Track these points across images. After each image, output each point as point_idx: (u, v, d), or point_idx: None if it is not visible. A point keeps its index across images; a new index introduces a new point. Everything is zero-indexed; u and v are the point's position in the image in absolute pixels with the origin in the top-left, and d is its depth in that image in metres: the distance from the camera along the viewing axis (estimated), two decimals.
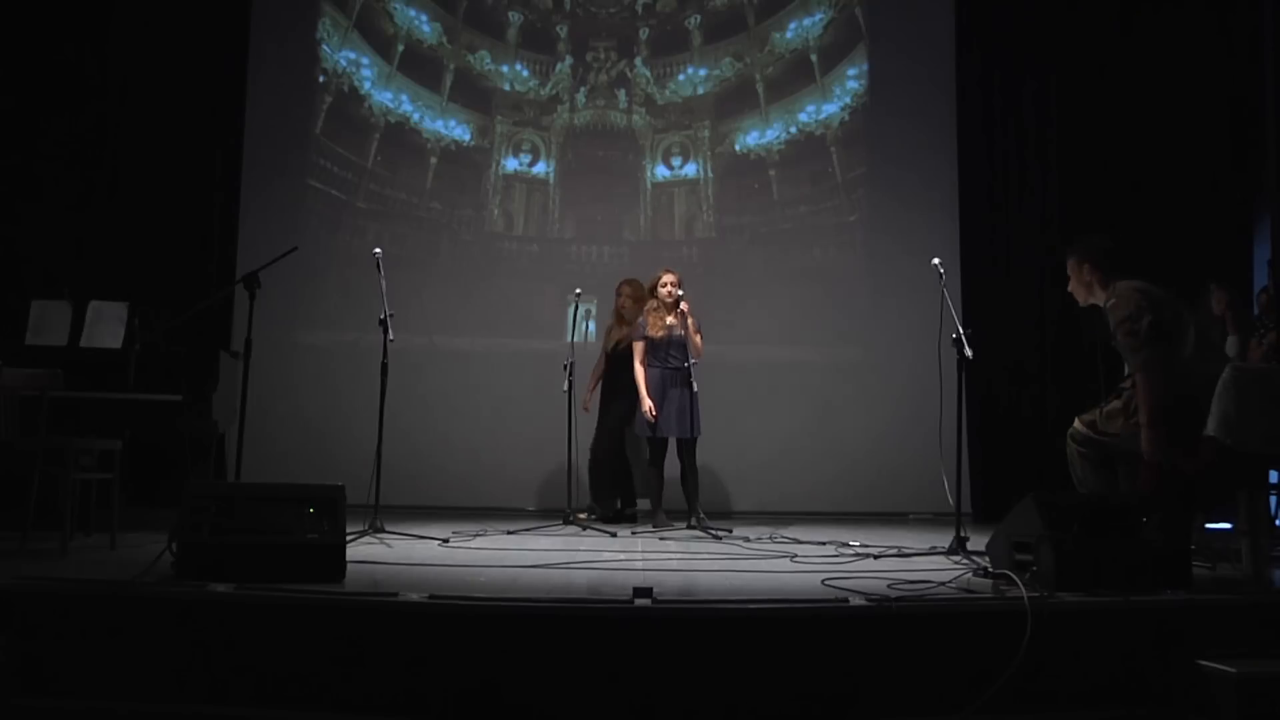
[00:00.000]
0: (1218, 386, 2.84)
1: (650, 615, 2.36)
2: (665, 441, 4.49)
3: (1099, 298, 3.18)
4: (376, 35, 5.91)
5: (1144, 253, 3.51)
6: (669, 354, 4.43)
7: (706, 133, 5.93)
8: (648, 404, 4.42)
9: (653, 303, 4.55)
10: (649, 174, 5.93)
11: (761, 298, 5.72)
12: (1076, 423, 3.21)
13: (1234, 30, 5.37)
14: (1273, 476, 3.41)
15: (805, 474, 5.48)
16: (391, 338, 4.06)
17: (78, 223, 5.13)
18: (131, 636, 2.38)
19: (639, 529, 4.35)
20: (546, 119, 5.95)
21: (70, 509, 3.31)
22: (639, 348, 4.53)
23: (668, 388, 4.44)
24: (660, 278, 4.56)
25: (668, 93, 5.96)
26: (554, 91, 5.96)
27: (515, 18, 5.97)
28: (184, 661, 2.36)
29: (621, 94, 5.95)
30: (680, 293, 4.47)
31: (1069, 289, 3.27)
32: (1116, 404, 3.11)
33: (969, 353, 3.59)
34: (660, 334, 4.47)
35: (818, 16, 5.98)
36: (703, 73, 5.98)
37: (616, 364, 4.64)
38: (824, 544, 3.80)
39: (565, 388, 4.28)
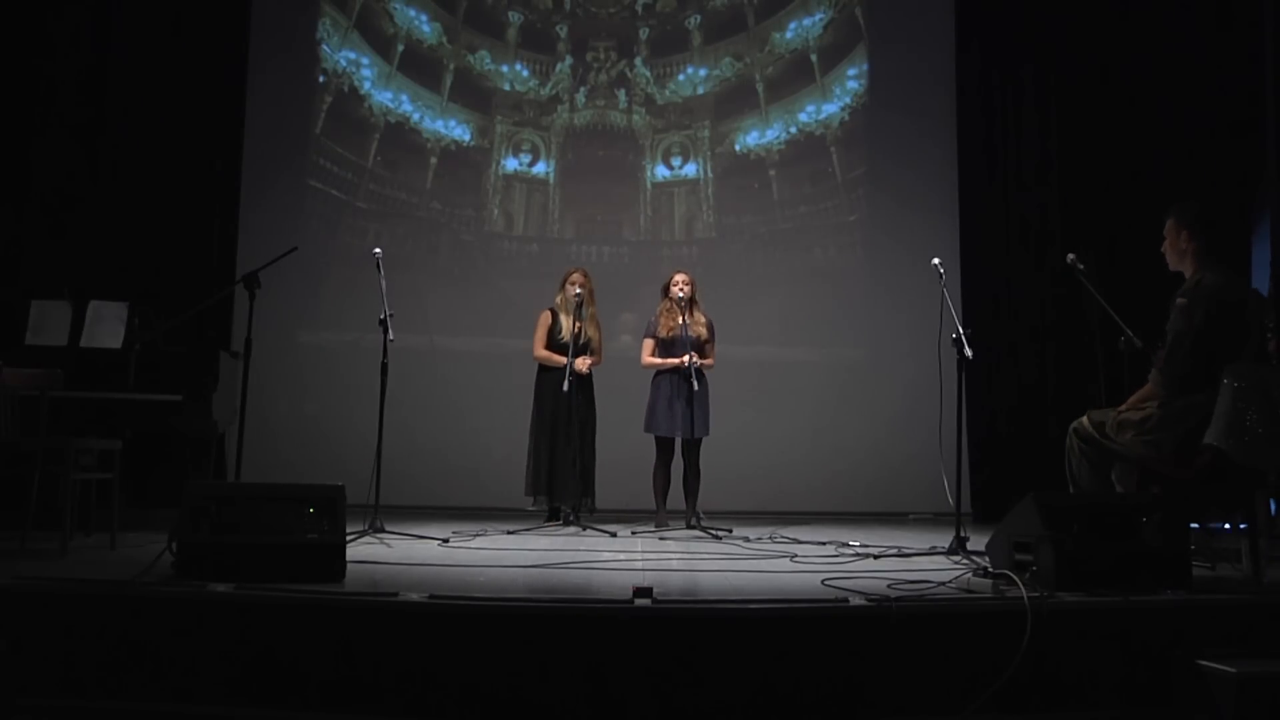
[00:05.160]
0: (1220, 394, 2.82)
1: (650, 615, 2.35)
2: (672, 441, 4.49)
3: (1187, 269, 3.11)
4: (376, 35, 5.91)
5: (1144, 252, 3.50)
6: (678, 354, 4.43)
7: (706, 133, 5.93)
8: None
9: (665, 303, 4.56)
10: (649, 174, 5.93)
11: (761, 298, 5.72)
12: (1085, 419, 3.15)
13: (1235, 28, 5.36)
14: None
15: (805, 474, 5.48)
16: (391, 337, 4.06)
17: (78, 222, 5.13)
18: (131, 636, 2.37)
19: (639, 529, 4.35)
20: (546, 119, 5.95)
21: (70, 509, 3.30)
22: (647, 346, 4.54)
23: (676, 388, 4.44)
24: (673, 277, 4.57)
25: (668, 93, 5.96)
26: (554, 91, 5.96)
27: (515, 18, 5.97)
28: (184, 661, 2.35)
29: (621, 94, 5.95)
30: (686, 291, 4.47)
31: (1161, 249, 3.19)
32: (1132, 416, 3.04)
33: (969, 352, 3.59)
34: (669, 333, 4.48)
35: (818, 16, 5.98)
36: (703, 73, 5.98)
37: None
38: (824, 544, 3.79)
39: (565, 387, 4.28)
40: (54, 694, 2.33)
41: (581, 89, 5.95)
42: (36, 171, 5.13)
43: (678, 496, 4.50)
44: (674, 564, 3.33)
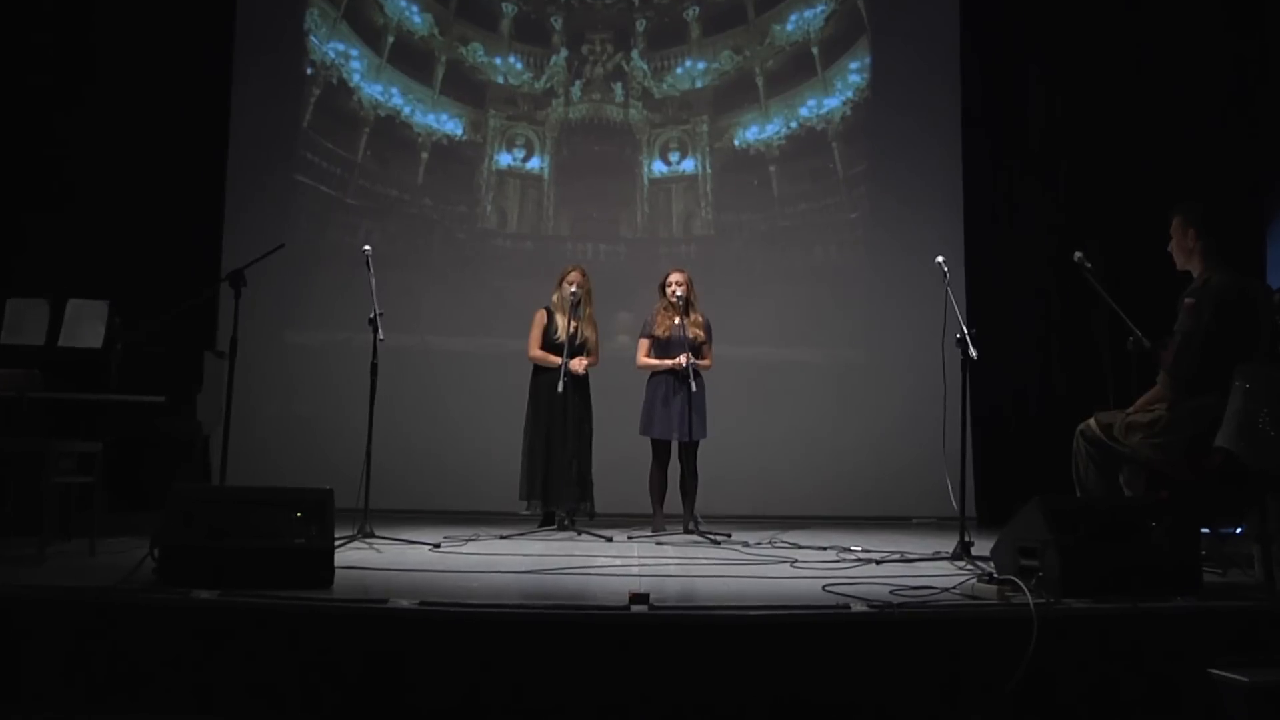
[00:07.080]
0: (1231, 395, 2.78)
1: (647, 622, 2.33)
2: (668, 444, 4.43)
3: (1195, 268, 3.12)
4: (366, 26, 5.83)
5: (1152, 250, 3.45)
6: (674, 355, 4.36)
7: (705, 127, 5.86)
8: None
9: (662, 302, 4.50)
10: (646, 169, 5.87)
11: (761, 297, 5.66)
12: (1092, 421, 3.15)
13: (1243, 22, 5.31)
14: None
15: (806, 477, 5.43)
16: (381, 337, 4.01)
17: (57, 219, 5.04)
18: (112, 645, 2.34)
19: (636, 533, 4.29)
20: (541, 113, 5.87)
21: (49, 514, 3.26)
22: (643, 345, 4.48)
23: (672, 389, 4.37)
24: (668, 277, 4.50)
25: (665, 86, 5.89)
26: (548, 85, 5.88)
27: (509, 9, 5.89)
28: (166, 671, 2.32)
29: (618, 87, 5.88)
30: (681, 293, 4.40)
31: (1169, 248, 3.20)
32: (1140, 418, 3.03)
33: (973, 353, 3.56)
34: (665, 334, 4.41)
35: (819, 8, 5.92)
36: (701, 66, 5.91)
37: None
38: (825, 549, 3.78)
39: (560, 388, 4.21)
40: (33, 706, 2.28)
41: (577, 82, 5.88)
42: (15, 166, 5.03)
43: (675, 500, 4.45)
44: (671, 569, 3.31)
